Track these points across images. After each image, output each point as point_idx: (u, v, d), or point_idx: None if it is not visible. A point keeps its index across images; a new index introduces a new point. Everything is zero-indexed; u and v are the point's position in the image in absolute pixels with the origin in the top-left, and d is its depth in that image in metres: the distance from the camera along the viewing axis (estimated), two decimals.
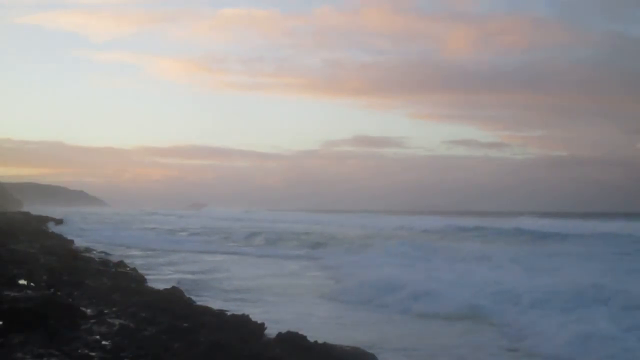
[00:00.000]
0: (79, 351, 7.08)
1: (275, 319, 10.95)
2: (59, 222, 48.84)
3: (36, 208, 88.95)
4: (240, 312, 10.00)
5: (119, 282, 13.33)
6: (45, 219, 49.49)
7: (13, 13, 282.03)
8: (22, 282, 11.47)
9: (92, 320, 8.70)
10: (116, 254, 23.79)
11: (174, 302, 10.87)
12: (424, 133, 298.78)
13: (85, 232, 41.20)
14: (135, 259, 22.89)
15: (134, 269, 17.47)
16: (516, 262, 20.20)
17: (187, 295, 12.41)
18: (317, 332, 9.36)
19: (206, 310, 10.28)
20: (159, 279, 17.07)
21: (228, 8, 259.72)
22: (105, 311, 9.53)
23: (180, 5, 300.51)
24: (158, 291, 12.42)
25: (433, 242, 30.95)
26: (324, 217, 75.87)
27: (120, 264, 18.24)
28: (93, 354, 7.03)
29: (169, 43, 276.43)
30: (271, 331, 9.19)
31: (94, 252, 23.86)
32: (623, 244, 28.79)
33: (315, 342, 8.36)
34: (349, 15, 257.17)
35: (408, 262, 20.89)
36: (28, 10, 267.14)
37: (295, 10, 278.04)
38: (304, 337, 8.41)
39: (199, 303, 11.65)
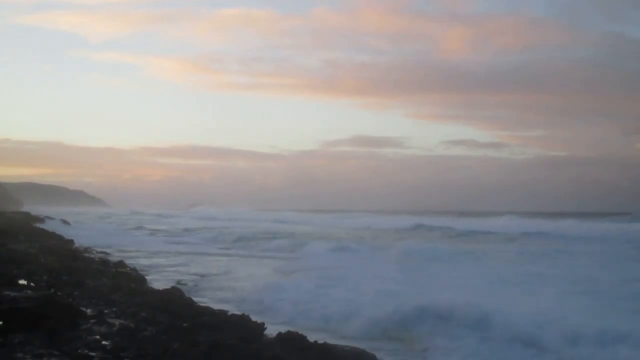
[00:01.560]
0: (79, 351, 7.08)
1: None
2: (66, 222, 48.89)
3: (36, 208, 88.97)
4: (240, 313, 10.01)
5: (119, 282, 13.31)
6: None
7: (12, 13, 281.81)
8: (22, 282, 11.47)
9: (92, 320, 8.70)
10: (115, 254, 23.80)
11: (174, 302, 10.87)
12: (423, 133, 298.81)
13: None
14: (133, 260, 22.88)
15: (134, 269, 17.47)
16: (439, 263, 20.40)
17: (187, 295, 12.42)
18: None
19: (206, 310, 10.28)
20: (159, 279, 17.08)
21: (226, 8, 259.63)
22: (105, 311, 9.53)
23: (179, 5, 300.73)
24: (158, 291, 12.42)
25: (381, 241, 32.58)
26: (308, 217, 78.50)
27: (120, 264, 18.24)
28: (93, 354, 7.03)
29: (167, 43, 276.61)
30: (271, 331, 9.19)
31: (94, 252, 23.86)
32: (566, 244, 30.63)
33: (315, 342, 8.36)
34: (347, 15, 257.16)
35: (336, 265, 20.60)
36: (27, 10, 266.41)
37: (293, 10, 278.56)
38: (304, 337, 8.41)
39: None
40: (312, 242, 29.46)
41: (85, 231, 40.85)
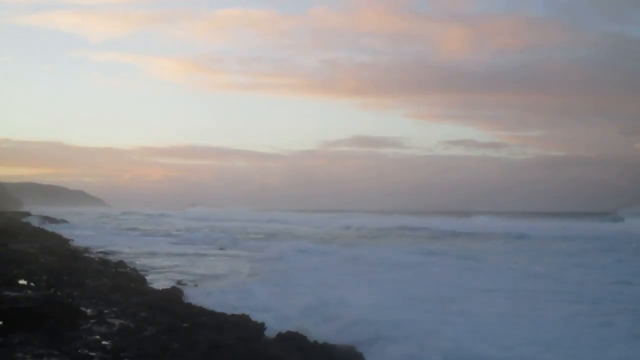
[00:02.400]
0: (79, 351, 7.08)
1: None
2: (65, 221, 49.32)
3: (36, 208, 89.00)
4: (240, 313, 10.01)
5: (119, 282, 13.32)
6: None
7: (12, 13, 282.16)
8: (22, 282, 11.46)
9: (92, 320, 8.69)
10: (114, 254, 23.80)
11: (174, 302, 10.88)
12: (422, 133, 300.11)
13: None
14: (132, 260, 22.87)
15: (134, 269, 17.48)
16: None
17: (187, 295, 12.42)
18: None
19: (206, 311, 10.29)
20: (159, 279, 17.07)
21: (226, 8, 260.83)
22: (105, 311, 9.53)
23: (178, 5, 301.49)
24: (158, 291, 12.43)
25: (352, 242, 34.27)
26: (302, 217, 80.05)
27: (120, 264, 18.25)
28: (93, 354, 7.03)
29: (167, 43, 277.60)
30: (271, 331, 9.19)
31: (94, 252, 23.87)
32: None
33: (315, 342, 8.37)
34: (346, 15, 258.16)
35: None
36: (27, 10, 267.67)
37: (292, 10, 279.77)
38: (304, 337, 8.42)
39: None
40: (275, 244, 29.50)
41: (82, 231, 40.95)
